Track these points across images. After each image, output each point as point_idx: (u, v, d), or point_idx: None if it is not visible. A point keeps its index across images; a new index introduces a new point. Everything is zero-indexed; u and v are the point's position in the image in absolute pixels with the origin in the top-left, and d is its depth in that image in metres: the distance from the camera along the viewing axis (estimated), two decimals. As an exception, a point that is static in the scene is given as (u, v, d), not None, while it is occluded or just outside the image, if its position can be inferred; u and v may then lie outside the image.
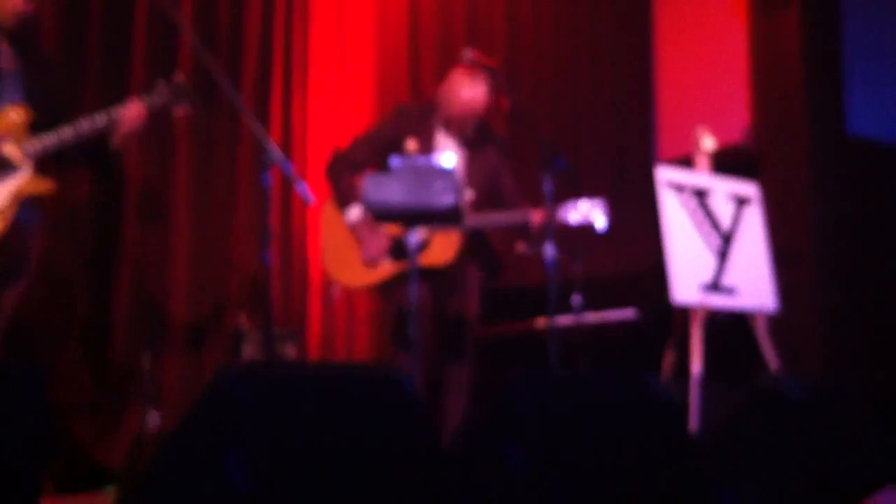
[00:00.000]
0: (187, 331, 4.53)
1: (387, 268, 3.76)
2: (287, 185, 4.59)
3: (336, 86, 5.12)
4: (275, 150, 2.99)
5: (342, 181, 3.80)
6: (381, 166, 3.78)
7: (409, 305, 3.17)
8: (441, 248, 3.73)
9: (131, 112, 3.16)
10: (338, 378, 2.38)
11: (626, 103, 6.12)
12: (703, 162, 4.28)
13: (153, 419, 4.04)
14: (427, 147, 3.77)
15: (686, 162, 4.43)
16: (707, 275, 4.01)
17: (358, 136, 4.06)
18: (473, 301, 3.86)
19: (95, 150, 3.20)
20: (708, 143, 4.30)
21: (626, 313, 4.33)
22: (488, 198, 3.90)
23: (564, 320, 4.23)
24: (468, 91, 3.76)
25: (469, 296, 3.84)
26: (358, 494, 2.07)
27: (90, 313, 4.34)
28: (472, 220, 3.72)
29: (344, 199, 3.77)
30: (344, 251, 3.80)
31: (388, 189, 3.09)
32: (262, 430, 1.99)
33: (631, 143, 6.12)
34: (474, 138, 3.86)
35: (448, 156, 3.72)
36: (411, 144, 3.49)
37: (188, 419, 2.13)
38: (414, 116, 3.85)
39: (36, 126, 3.11)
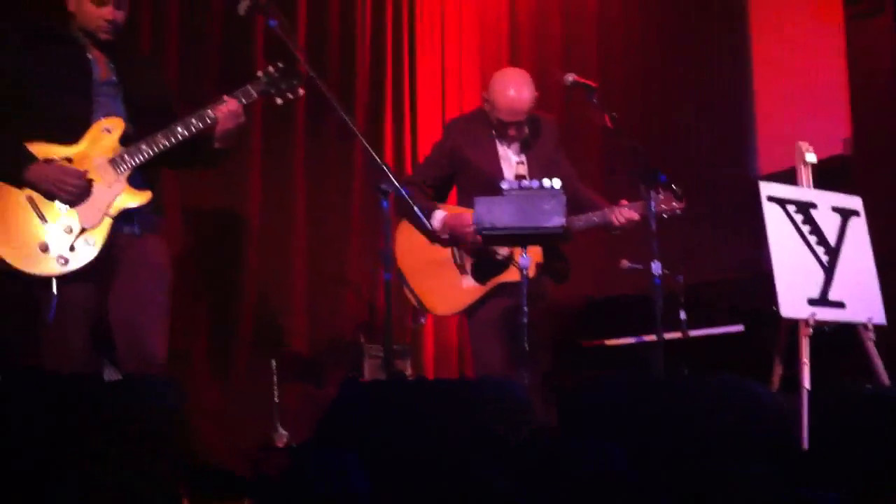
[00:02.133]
0: (309, 348, 4.77)
1: (471, 292, 3.76)
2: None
3: (443, 112, 5.37)
4: (392, 177, 3.04)
5: (413, 196, 3.64)
6: (450, 185, 3.88)
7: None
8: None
9: (225, 110, 3.09)
10: (450, 390, 2.53)
11: (724, 118, 6.17)
12: (805, 175, 4.30)
13: (277, 430, 4.28)
14: (488, 153, 3.79)
15: (786, 175, 4.44)
16: (814, 289, 4.02)
17: (420, 162, 4.13)
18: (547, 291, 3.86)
19: (198, 152, 3.17)
20: (809, 155, 4.32)
21: (734, 328, 4.37)
22: None
23: (669, 334, 4.28)
24: (515, 92, 3.74)
25: (545, 283, 3.84)
26: (468, 492, 2.20)
27: (215, 327, 4.61)
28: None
29: (424, 211, 3.59)
30: (428, 278, 3.79)
31: (498, 211, 3.21)
32: (382, 438, 2.18)
33: (728, 156, 6.16)
34: (528, 135, 3.87)
35: (556, 179, 3.81)
36: (521, 168, 3.60)
37: (316, 429, 2.30)
38: (463, 125, 3.91)
39: (138, 133, 3.05)
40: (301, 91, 3.24)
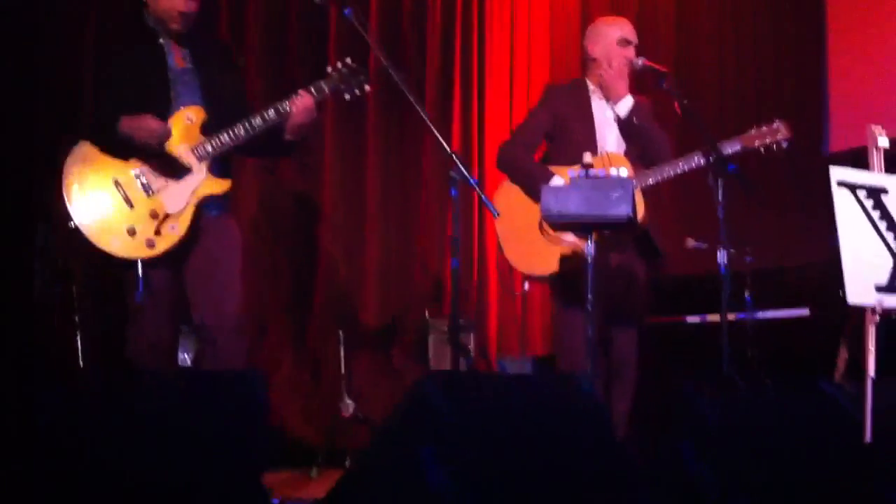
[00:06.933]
0: (377, 322, 4.92)
1: (572, 247, 3.65)
2: (464, 191, 4.87)
3: (511, 99, 5.42)
4: (462, 167, 3.01)
5: (523, 160, 3.76)
6: (548, 149, 3.85)
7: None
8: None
9: (300, 104, 3.14)
10: (521, 383, 2.60)
11: (796, 98, 6.08)
12: (876, 159, 4.25)
13: (345, 400, 4.42)
14: (584, 116, 3.79)
15: (856, 154, 4.37)
16: (883, 275, 3.97)
17: (518, 125, 4.11)
18: (642, 273, 3.84)
19: (270, 142, 3.21)
20: (882, 139, 4.26)
21: (800, 311, 4.37)
22: (644, 152, 3.84)
23: (734, 316, 4.29)
24: (615, 29, 3.82)
25: (638, 265, 3.82)
26: (541, 488, 2.27)
27: (291, 303, 4.79)
28: (648, 176, 3.70)
29: (540, 174, 3.65)
30: (524, 241, 3.72)
31: (566, 199, 3.23)
32: (456, 430, 2.23)
33: (801, 138, 6.06)
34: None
35: (623, 168, 3.80)
36: (587, 157, 3.57)
37: (390, 420, 2.38)
38: (564, 92, 3.90)
39: (214, 121, 3.11)
40: (367, 88, 3.26)
